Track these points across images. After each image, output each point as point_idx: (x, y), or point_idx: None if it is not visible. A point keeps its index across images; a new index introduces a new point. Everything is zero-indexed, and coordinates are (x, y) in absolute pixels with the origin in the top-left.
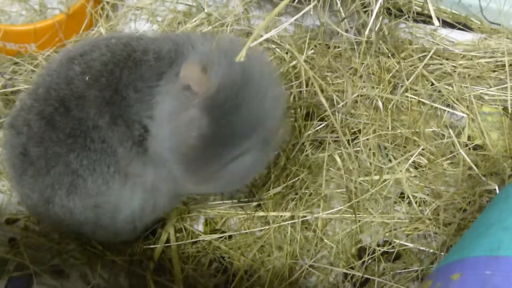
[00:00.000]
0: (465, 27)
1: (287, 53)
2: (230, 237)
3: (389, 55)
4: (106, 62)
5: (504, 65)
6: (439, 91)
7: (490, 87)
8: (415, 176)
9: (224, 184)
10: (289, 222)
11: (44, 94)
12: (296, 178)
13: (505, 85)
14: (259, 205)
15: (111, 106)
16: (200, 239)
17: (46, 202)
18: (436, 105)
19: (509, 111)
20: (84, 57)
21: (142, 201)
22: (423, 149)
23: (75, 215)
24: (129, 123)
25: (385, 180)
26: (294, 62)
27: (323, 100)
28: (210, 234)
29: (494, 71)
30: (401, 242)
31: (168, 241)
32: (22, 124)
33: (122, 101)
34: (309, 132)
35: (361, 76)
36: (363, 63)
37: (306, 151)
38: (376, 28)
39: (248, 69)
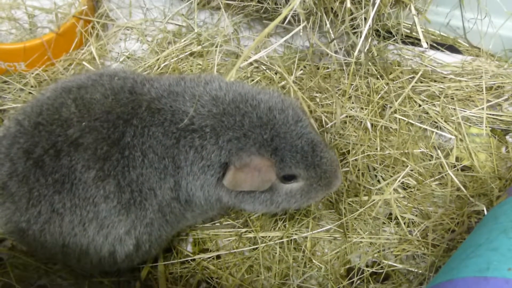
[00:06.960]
0: (453, 49)
1: (276, 73)
2: (218, 257)
3: (378, 76)
4: (108, 110)
5: (491, 87)
6: (427, 113)
7: (478, 108)
8: (403, 197)
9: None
10: (278, 241)
11: (31, 129)
12: None
13: (490, 103)
14: (247, 224)
15: (102, 162)
16: (189, 259)
17: (21, 231)
18: (424, 126)
19: (497, 133)
20: (81, 92)
21: (113, 249)
22: (411, 170)
23: (46, 248)
24: (122, 185)
25: (373, 201)
26: (283, 83)
27: (312, 121)
28: (199, 254)
29: (481, 93)
30: (389, 262)
31: (156, 261)
32: (3, 156)
33: (121, 159)
34: None
35: (350, 97)
36: (352, 84)
37: None
38: (365, 50)
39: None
